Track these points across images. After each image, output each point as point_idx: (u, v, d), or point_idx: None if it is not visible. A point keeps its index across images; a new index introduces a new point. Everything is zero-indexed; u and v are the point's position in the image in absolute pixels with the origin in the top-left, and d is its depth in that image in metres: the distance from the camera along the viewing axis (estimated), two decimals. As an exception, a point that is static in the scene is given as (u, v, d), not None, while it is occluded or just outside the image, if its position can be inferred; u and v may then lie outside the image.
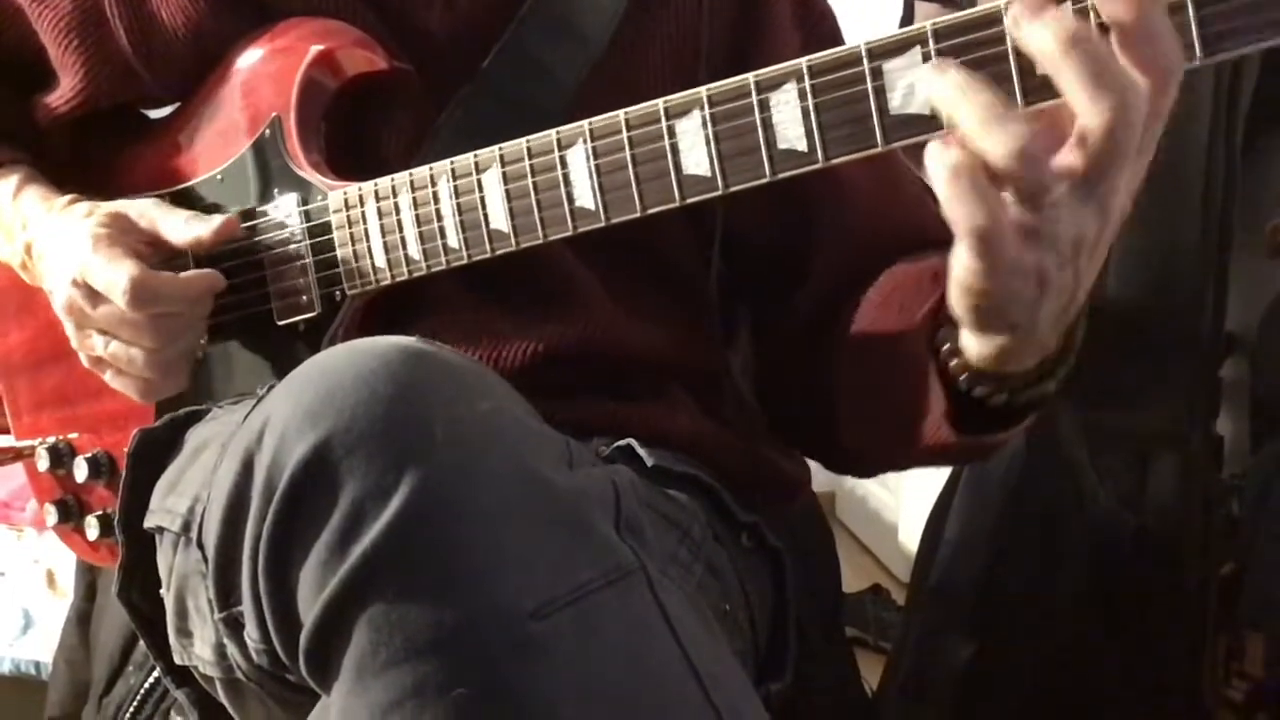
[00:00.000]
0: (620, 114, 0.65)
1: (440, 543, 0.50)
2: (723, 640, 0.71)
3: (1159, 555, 1.15)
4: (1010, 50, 0.55)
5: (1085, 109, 0.49)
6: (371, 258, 0.76)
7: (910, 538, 2.42)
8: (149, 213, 0.82)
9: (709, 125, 0.63)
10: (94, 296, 0.78)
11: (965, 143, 0.51)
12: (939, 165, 0.51)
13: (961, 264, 0.54)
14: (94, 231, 0.78)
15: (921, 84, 0.55)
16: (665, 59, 0.84)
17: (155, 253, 0.81)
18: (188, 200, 0.87)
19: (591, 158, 0.66)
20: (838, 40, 0.91)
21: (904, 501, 2.53)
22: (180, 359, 0.81)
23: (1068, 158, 0.50)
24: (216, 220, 0.80)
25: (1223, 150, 1.12)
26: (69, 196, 0.86)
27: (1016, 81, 0.55)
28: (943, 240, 0.91)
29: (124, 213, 0.82)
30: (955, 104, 0.51)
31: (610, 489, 0.58)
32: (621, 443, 0.78)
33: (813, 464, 0.92)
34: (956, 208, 0.51)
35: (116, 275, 0.76)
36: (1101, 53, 0.49)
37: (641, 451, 0.77)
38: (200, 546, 0.64)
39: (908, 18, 1.52)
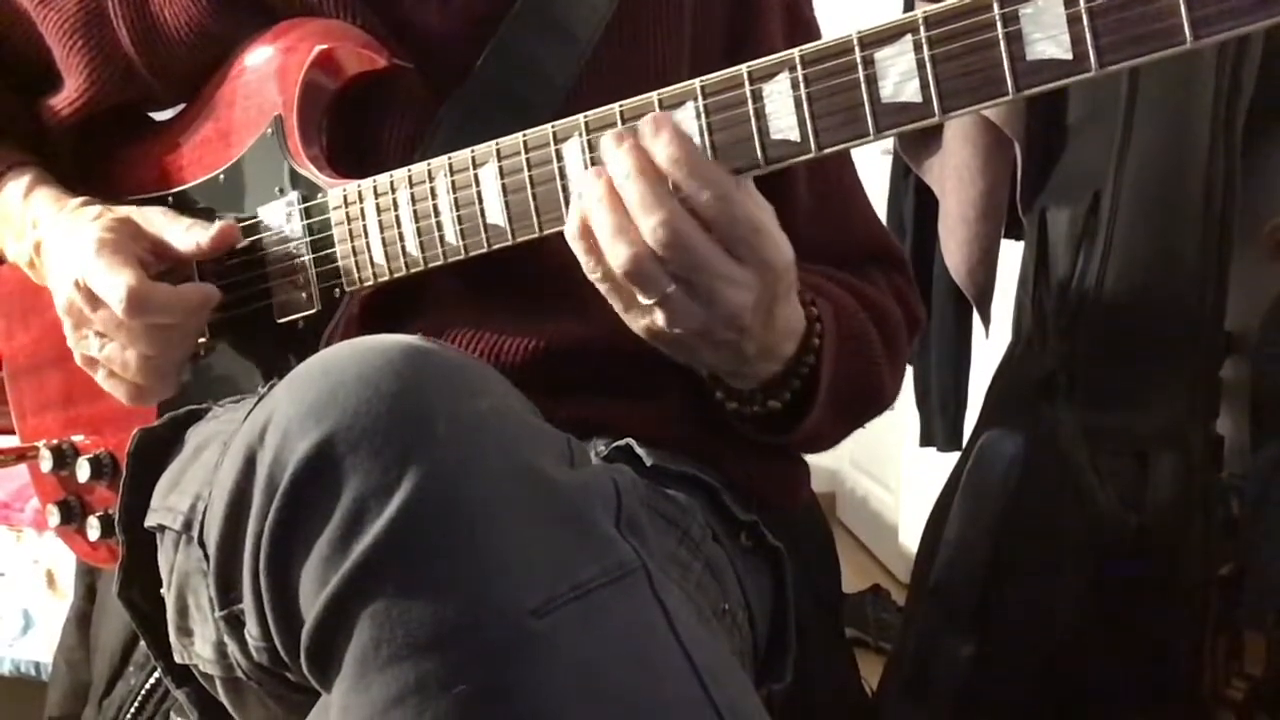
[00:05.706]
0: (615, 107, 0.65)
1: (442, 540, 0.50)
2: (722, 639, 0.71)
3: (1159, 555, 1.14)
4: (1000, 37, 0.55)
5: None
6: (370, 254, 0.76)
7: (910, 538, 2.43)
8: (155, 220, 0.83)
9: (702, 116, 0.63)
10: (94, 299, 0.78)
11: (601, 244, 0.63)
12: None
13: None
14: (99, 236, 0.79)
15: (575, 182, 0.66)
16: (656, 55, 0.84)
17: (159, 259, 0.82)
18: (192, 199, 0.87)
19: (586, 151, 0.66)
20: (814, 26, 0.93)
21: (904, 502, 2.54)
22: (172, 366, 0.82)
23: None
24: (215, 227, 0.81)
25: (1223, 149, 1.12)
26: (81, 199, 0.86)
27: (1007, 66, 0.55)
28: (882, 255, 0.93)
29: (131, 218, 0.82)
30: (592, 209, 0.63)
31: (611, 487, 0.57)
32: (620, 442, 0.78)
33: (812, 464, 0.92)
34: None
35: (115, 282, 0.76)
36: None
37: (641, 451, 0.77)
38: (201, 544, 0.64)
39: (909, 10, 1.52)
